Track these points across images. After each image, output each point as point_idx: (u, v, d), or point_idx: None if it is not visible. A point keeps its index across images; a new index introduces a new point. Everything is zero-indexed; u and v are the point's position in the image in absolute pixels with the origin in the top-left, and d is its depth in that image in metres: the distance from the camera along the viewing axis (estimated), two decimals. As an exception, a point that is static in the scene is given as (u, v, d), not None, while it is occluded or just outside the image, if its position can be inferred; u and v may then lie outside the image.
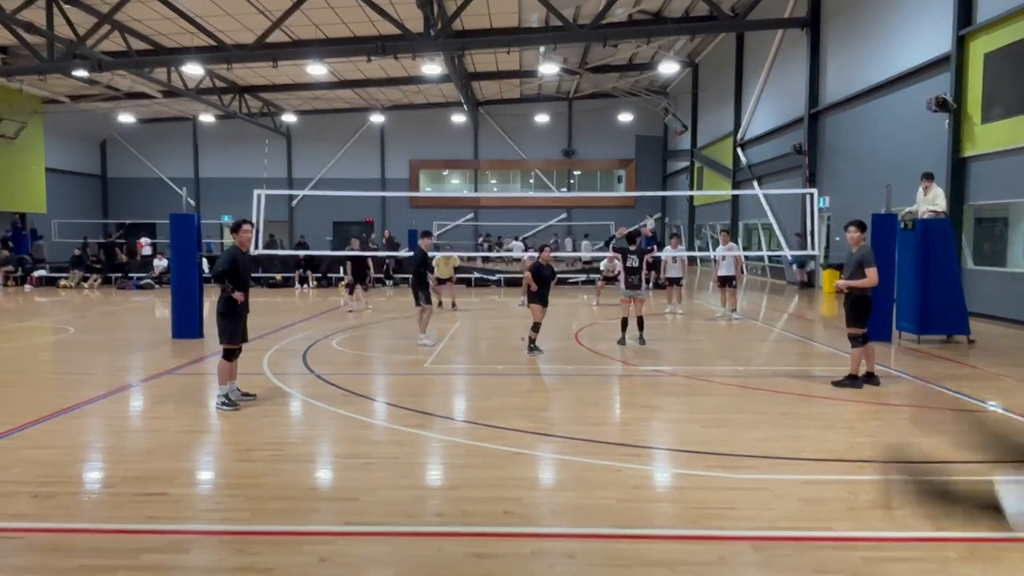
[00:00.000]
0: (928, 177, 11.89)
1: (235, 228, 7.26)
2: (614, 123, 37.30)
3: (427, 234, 11.72)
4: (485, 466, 5.30)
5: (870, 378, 7.99)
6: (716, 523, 4.24)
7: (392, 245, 27.17)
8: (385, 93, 33.48)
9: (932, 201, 11.62)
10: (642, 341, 10.96)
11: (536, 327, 10.30)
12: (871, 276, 7.69)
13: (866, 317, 7.88)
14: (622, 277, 11.10)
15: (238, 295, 7.00)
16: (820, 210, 19.86)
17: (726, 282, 14.62)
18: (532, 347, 10.23)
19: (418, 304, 11.04)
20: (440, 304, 16.55)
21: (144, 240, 26.87)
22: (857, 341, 7.86)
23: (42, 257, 26.11)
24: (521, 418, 6.70)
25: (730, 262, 14.54)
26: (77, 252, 24.61)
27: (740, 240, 28.74)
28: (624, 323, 11.08)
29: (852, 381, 7.89)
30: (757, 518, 4.32)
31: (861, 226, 8.03)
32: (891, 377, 8.66)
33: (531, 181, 40.11)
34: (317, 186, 36.63)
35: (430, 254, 11.95)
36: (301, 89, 31.79)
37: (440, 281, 16.52)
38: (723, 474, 5.11)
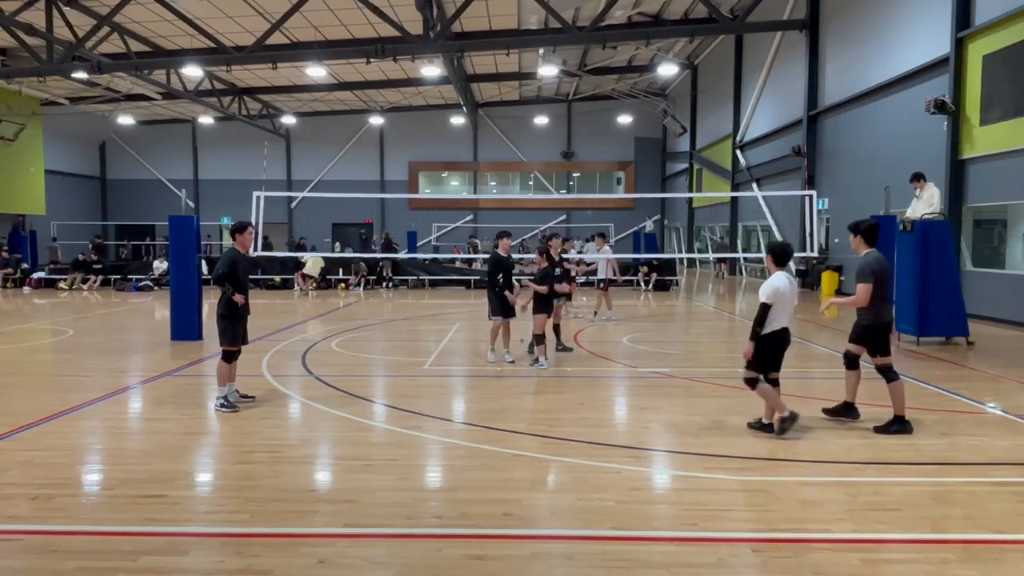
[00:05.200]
0: (919, 178, 11.60)
1: (239, 230, 7.25)
2: (613, 125, 37.33)
3: (506, 235, 9.83)
4: (484, 468, 5.30)
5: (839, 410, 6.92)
6: (715, 525, 4.25)
7: (389, 246, 27.16)
8: (384, 95, 33.48)
9: (929, 201, 11.53)
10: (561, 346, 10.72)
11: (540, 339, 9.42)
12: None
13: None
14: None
15: (239, 297, 7.00)
16: (819, 212, 19.88)
17: (605, 284, 14.60)
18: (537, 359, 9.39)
19: (492, 317, 9.73)
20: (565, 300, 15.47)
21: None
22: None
23: (5, 259, 25.76)
24: (520, 420, 6.70)
25: (605, 265, 14.54)
26: (82, 257, 24.50)
27: (740, 241, 28.78)
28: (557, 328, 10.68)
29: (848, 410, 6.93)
30: (756, 520, 4.33)
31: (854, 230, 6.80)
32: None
33: (530, 183, 40.13)
34: (316, 188, 36.65)
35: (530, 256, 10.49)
36: (300, 91, 31.81)
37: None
38: (722, 476, 5.12)
